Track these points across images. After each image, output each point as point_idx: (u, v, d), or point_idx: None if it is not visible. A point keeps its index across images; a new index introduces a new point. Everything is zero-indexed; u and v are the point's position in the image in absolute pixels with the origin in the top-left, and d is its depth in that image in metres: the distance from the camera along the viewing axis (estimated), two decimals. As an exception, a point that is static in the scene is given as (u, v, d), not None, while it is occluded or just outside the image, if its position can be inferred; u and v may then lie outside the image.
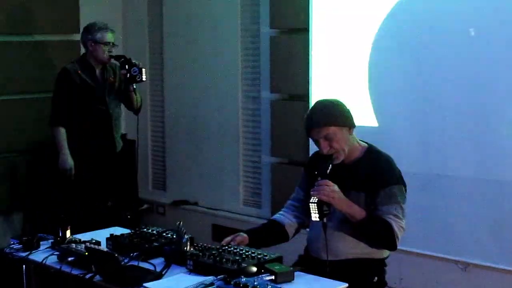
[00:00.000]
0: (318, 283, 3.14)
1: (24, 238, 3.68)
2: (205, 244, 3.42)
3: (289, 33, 5.70)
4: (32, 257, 3.54)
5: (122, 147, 5.63)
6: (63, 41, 6.23)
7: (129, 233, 3.71)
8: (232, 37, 6.10)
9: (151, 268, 3.25)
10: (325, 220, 3.35)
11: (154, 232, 3.66)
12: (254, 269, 3.09)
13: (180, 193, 6.67)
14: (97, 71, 5.37)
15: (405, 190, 3.48)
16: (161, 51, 6.76)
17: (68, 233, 3.64)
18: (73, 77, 5.27)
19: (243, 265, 3.10)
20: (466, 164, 4.66)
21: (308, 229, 3.73)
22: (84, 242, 3.53)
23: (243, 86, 6.12)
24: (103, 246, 3.54)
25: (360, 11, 5.08)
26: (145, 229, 3.72)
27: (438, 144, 4.78)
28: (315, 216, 3.33)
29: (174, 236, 3.47)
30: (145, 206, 6.88)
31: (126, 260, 3.28)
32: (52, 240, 3.66)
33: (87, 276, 3.21)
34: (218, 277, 3.02)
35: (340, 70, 5.21)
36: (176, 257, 3.30)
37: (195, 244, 3.41)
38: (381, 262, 3.58)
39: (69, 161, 5.28)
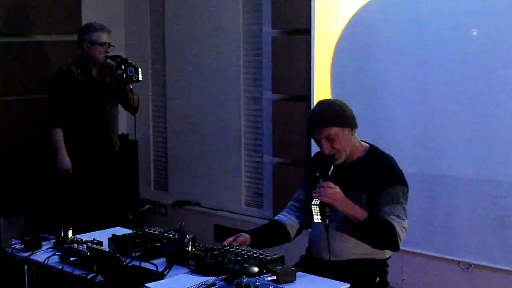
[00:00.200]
0: (320, 284, 3.14)
1: (26, 238, 3.68)
2: (207, 245, 3.42)
3: (291, 33, 5.70)
4: (34, 257, 3.54)
5: (123, 147, 5.63)
6: (65, 42, 6.23)
7: (131, 233, 3.71)
8: (234, 37, 6.09)
9: (153, 268, 3.25)
10: (327, 221, 3.35)
11: (156, 232, 3.66)
12: (256, 269, 3.09)
13: (181, 194, 6.67)
14: (94, 72, 5.37)
15: (407, 191, 3.48)
16: (163, 52, 6.76)
17: (70, 233, 3.65)
18: (69, 77, 5.28)
19: (245, 265, 3.10)
20: (468, 164, 4.66)
21: (309, 230, 3.73)
22: (86, 242, 3.53)
23: (245, 87, 6.12)
24: (105, 246, 3.53)
25: (362, 11, 5.08)
26: (147, 230, 3.72)
27: (440, 144, 4.77)
28: (317, 218, 3.33)
29: (176, 237, 3.46)
30: (147, 206, 6.88)
31: (128, 261, 3.28)
32: (54, 240, 3.66)
33: (89, 276, 3.22)
34: (220, 277, 3.02)
35: (341, 71, 5.21)
36: (178, 258, 3.31)
37: (197, 245, 3.41)
38: (383, 263, 3.58)
39: (67, 162, 5.29)
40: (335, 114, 3.44)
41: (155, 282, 3.08)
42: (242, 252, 3.28)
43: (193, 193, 6.57)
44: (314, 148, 3.54)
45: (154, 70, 6.87)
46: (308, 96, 5.40)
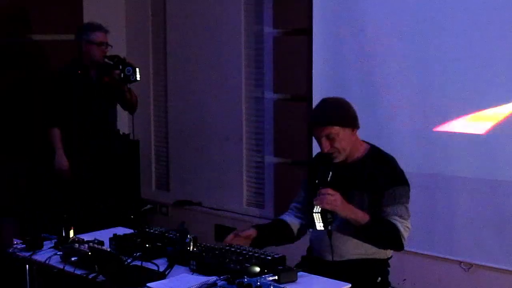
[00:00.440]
0: (321, 284, 3.14)
1: (27, 238, 3.68)
2: (208, 244, 3.42)
3: (292, 33, 5.70)
4: (35, 257, 3.55)
5: (124, 147, 5.63)
6: (66, 41, 6.23)
7: (132, 233, 3.71)
8: (235, 37, 6.09)
9: (154, 268, 3.25)
10: (330, 228, 3.35)
11: (157, 232, 3.65)
12: (257, 269, 3.09)
13: (183, 193, 6.67)
14: (92, 71, 5.37)
15: (409, 190, 3.48)
16: (164, 52, 6.76)
17: (71, 233, 3.65)
18: (67, 77, 5.28)
19: (246, 265, 3.10)
20: (469, 164, 4.66)
21: (311, 229, 3.73)
22: (87, 242, 3.53)
23: (246, 86, 6.12)
24: (106, 246, 3.53)
25: (362, 11, 5.07)
26: (148, 229, 3.72)
27: (440, 144, 4.77)
28: (319, 226, 3.34)
29: (177, 236, 3.46)
30: (148, 206, 6.88)
31: (129, 260, 3.29)
32: (55, 240, 3.67)
33: (90, 276, 3.22)
34: (221, 277, 3.02)
35: (342, 71, 5.21)
36: (179, 257, 3.31)
37: (198, 244, 3.41)
38: (385, 263, 3.58)
39: (65, 162, 5.29)
40: (338, 113, 3.44)
41: (156, 282, 3.08)
42: (244, 252, 3.28)
43: (194, 193, 6.57)
44: (316, 148, 3.54)
45: (155, 70, 6.87)
46: (309, 96, 5.40)
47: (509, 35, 4.42)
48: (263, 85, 5.97)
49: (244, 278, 2.94)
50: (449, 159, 4.74)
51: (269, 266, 3.11)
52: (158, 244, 3.48)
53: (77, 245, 3.49)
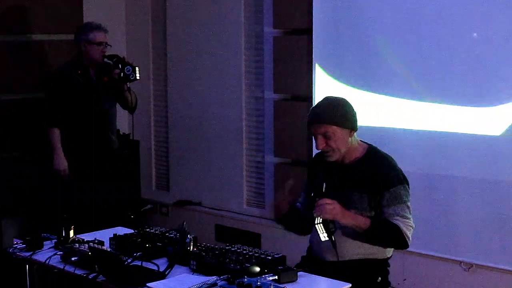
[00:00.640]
0: (321, 284, 3.15)
1: (27, 238, 3.68)
2: (208, 244, 3.42)
3: (292, 33, 5.70)
4: (35, 257, 3.54)
5: (124, 147, 5.62)
6: (67, 41, 6.23)
7: (132, 233, 3.71)
8: (235, 37, 6.09)
9: (155, 268, 3.25)
10: (333, 238, 3.35)
11: (158, 232, 3.66)
12: (258, 269, 3.09)
13: (183, 193, 6.67)
14: (91, 71, 5.37)
15: (409, 187, 3.48)
16: (164, 51, 6.76)
17: (71, 233, 3.65)
18: (67, 77, 5.28)
19: (247, 265, 3.10)
20: (469, 164, 4.66)
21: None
22: (88, 242, 3.53)
23: (246, 86, 6.12)
24: (107, 246, 3.54)
25: (363, 11, 5.07)
26: (148, 229, 3.72)
27: (441, 144, 4.77)
28: (323, 237, 3.34)
29: (178, 236, 3.47)
30: (148, 206, 6.88)
31: (129, 260, 3.29)
32: (55, 240, 3.67)
33: (91, 276, 3.22)
34: (222, 277, 3.02)
35: (343, 70, 5.21)
36: (179, 257, 3.31)
37: (198, 244, 3.42)
38: (385, 262, 3.58)
39: (63, 162, 5.29)
40: (337, 113, 3.44)
41: (157, 282, 3.08)
42: (244, 252, 3.28)
43: (194, 193, 6.57)
44: (317, 150, 3.54)
45: (155, 69, 6.87)
46: (309, 96, 5.40)
47: (510, 35, 4.42)
48: (263, 85, 5.97)
49: (244, 278, 2.94)
50: (449, 159, 4.74)
51: (269, 266, 3.11)
52: (158, 244, 3.48)
53: (77, 245, 3.49)
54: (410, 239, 3.41)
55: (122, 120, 6.07)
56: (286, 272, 3.09)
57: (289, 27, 5.72)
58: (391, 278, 3.63)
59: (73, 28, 5.44)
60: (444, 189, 4.79)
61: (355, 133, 3.51)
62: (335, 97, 3.57)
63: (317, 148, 3.48)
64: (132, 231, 3.80)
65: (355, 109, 3.52)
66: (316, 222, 3.33)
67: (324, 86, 5.28)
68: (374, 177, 3.44)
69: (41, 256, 3.53)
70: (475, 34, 4.57)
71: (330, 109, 3.46)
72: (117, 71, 5.18)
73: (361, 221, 3.37)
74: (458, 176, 4.72)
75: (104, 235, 3.70)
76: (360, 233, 3.38)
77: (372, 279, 3.51)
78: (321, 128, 3.43)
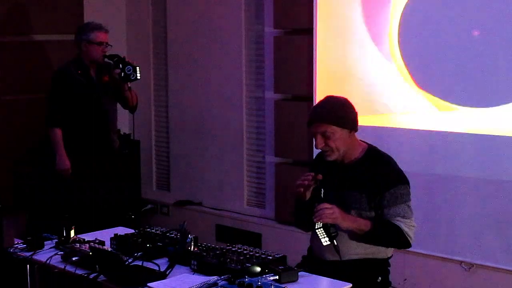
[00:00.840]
0: (322, 283, 3.14)
1: (28, 238, 3.69)
2: (209, 244, 3.42)
3: (293, 33, 5.70)
4: (36, 257, 3.54)
5: (125, 147, 5.62)
6: (67, 41, 6.23)
7: (133, 233, 3.71)
8: (236, 37, 6.10)
9: (155, 268, 3.25)
10: (335, 242, 3.35)
11: (158, 232, 3.66)
12: (258, 269, 3.09)
13: (184, 193, 6.67)
14: (92, 71, 5.37)
15: (409, 187, 3.48)
16: (164, 52, 6.76)
17: (72, 233, 3.65)
18: (68, 77, 5.28)
19: (247, 265, 3.10)
20: (470, 164, 4.66)
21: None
22: (88, 242, 3.53)
23: (247, 86, 6.12)
24: (107, 246, 3.54)
25: (364, 11, 5.08)
26: (149, 229, 3.72)
27: (442, 144, 4.77)
28: (325, 241, 3.34)
29: (178, 236, 3.46)
30: (149, 206, 6.89)
31: (130, 260, 3.29)
32: (56, 240, 3.67)
33: (91, 276, 3.22)
34: (222, 277, 3.02)
35: (344, 71, 5.21)
36: (180, 257, 3.31)
37: (199, 244, 3.42)
38: (385, 262, 3.58)
39: (66, 162, 5.29)
40: (338, 113, 3.44)
41: (157, 282, 3.08)
42: (244, 252, 3.28)
43: (195, 193, 6.58)
44: (316, 149, 3.54)
45: (156, 69, 6.87)
46: (310, 96, 5.40)
47: (510, 35, 4.42)
48: (264, 85, 5.97)
49: (245, 278, 2.94)
50: (450, 160, 4.75)
51: (269, 266, 3.11)
52: (159, 244, 3.48)
53: (78, 245, 3.49)
54: (413, 238, 3.41)
55: (123, 120, 6.07)
56: (287, 272, 3.09)
57: (289, 27, 5.72)
58: (391, 278, 3.63)
59: (74, 28, 5.44)
60: (444, 189, 4.80)
61: (355, 133, 3.52)
62: (337, 97, 3.57)
63: (316, 147, 3.48)
64: (132, 231, 3.81)
65: (355, 110, 3.52)
66: (316, 227, 3.33)
67: (325, 86, 5.28)
68: (374, 178, 3.44)
69: (42, 256, 3.53)
70: (476, 33, 4.58)
71: (330, 109, 3.46)
72: (117, 71, 5.18)
73: (361, 224, 3.37)
74: (459, 176, 4.72)
75: (105, 235, 3.70)
76: (361, 235, 3.39)
77: (372, 279, 3.51)
78: (321, 127, 3.43)
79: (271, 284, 2.90)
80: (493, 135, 4.54)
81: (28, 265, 3.55)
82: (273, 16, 5.79)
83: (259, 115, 6.07)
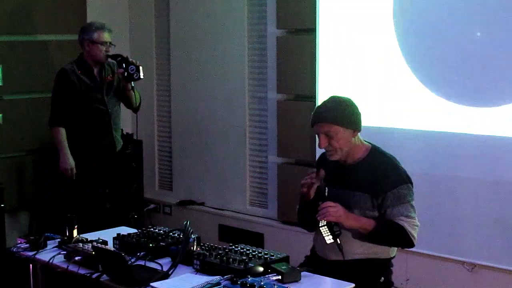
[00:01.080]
0: (325, 283, 3.15)
1: (31, 237, 3.69)
2: (211, 244, 3.43)
3: (295, 33, 5.70)
4: (39, 256, 3.55)
5: (127, 146, 5.62)
6: (71, 41, 6.24)
7: (136, 233, 3.71)
8: (238, 37, 6.10)
9: (158, 267, 3.25)
10: (338, 241, 3.35)
11: (161, 232, 3.66)
12: (261, 269, 3.09)
13: (186, 193, 6.67)
14: (95, 71, 5.37)
15: (412, 187, 3.48)
16: (167, 51, 6.76)
17: (75, 232, 3.65)
18: (71, 77, 5.28)
19: (250, 265, 3.10)
20: (473, 165, 4.66)
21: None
22: (91, 241, 3.54)
23: (249, 86, 6.13)
24: (110, 246, 3.54)
25: (367, 10, 5.08)
26: (151, 229, 3.72)
27: (444, 144, 4.77)
28: (329, 239, 3.35)
29: (181, 236, 3.47)
30: (152, 206, 6.89)
31: (133, 260, 3.29)
32: (59, 240, 3.67)
33: (94, 276, 3.22)
34: (225, 277, 3.03)
35: (346, 70, 5.21)
36: (182, 257, 3.31)
37: (201, 244, 3.42)
38: (388, 262, 3.58)
39: (70, 161, 5.28)
40: (342, 113, 3.44)
41: (160, 282, 3.08)
42: (247, 251, 3.29)
43: (197, 193, 6.58)
44: (319, 148, 3.54)
45: (159, 69, 6.88)
46: (313, 96, 5.40)
47: (510, 35, 4.42)
48: (267, 85, 5.97)
49: (248, 278, 2.95)
50: (452, 160, 4.74)
51: (272, 266, 3.12)
52: (161, 243, 3.49)
53: (81, 244, 3.50)
54: (416, 237, 3.41)
55: (126, 120, 6.08)
56: (290, 272, 3.09)
57: (292, 27, 5.72)
58: (394, 278, 3.63)
59: (77, 28, 5.44)
60: (447, 189, 4.79)
61: (358, 133, 3.52)
62: (341, 97, 3.57)
63: (319, 147, 3.49)
64: (135, 230, 3.81)
65: (359, 110, 3.52)
66: (320, 225, 3.33)
67: (328, 86, 5.28)
68: (377, 177, 3.44)
69: (45, 255, 3.53)
70: (478, 34, 4.57)
71: (334, 109, 3.46)
72: (120, 70, 5.19)
73: (365, 223, 3.37)
74: (461, 177, 4.72)
75: (108, 235, 3.71)
76: (366, 236, 3.39)
77: (375, 279, 3.51)
78: (324, 127, 3.43)
79: (273, 284, 2.91)
80: (496, 136, 4.54)
81: (30, 265, 3.56)
82: (276, 16, 5.79)
83: (262, 115, 6.07)
